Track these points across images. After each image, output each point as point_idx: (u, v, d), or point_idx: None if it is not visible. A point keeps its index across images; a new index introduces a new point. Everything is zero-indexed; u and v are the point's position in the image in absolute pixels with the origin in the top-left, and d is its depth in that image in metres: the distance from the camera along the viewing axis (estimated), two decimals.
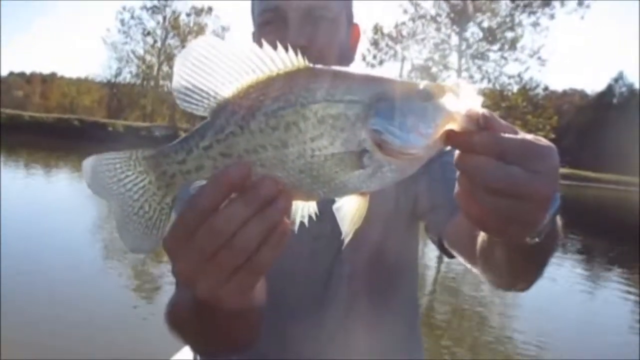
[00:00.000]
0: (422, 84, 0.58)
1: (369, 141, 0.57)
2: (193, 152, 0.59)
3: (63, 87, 52.02)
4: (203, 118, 0.61)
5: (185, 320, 0.82)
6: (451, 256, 1.04)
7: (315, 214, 0.62)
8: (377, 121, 0.57)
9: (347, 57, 1.12)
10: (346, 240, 0.63)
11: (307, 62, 0.58)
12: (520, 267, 0.77)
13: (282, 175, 0.58)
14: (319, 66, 0.59)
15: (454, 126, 0.56)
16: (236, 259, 0.55)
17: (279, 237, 0.56)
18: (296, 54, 0.58)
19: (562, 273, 8.05)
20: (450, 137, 0.56)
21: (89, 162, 0.63)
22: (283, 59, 0.58)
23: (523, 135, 0.56)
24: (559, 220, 0.66)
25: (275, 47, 0.57)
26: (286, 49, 0.58)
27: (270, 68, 0.58)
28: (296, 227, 0.60)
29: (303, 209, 0.61)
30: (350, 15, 1.15)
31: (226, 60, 0.58)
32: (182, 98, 0.59)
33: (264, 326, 0.84)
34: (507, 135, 0.54)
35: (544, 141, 0.56)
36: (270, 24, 1.04)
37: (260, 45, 0.57)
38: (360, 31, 1.20)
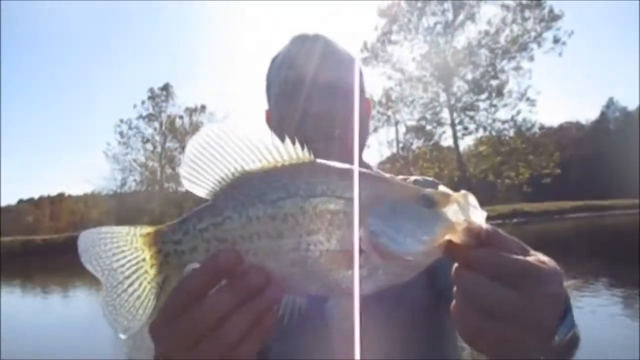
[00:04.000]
0: (427, 190, 0.56)
1: (366, 241, 0.55)
2: (189, 233, 0.58)
3: (71, 205, 52.85)
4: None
5: None
6: None
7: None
8: (375, 222, 0.55)
9: (364, 128, 1.14)
10: (336, 339, 0.59)
11: (311, 156, 0.58)
12: None
13: (274, 266, 0.56)
14: (322, 161, 0.59)
15: (454, 237, 0.53)
16: (217, 350, 0.52)
17: (263, 330, 0.53)
18: (302, 148, 0.58)
19: (598, 302, 7.78)
20: (448, 249, 0.54)
21: (85, 235, 0.62)
22: (289, 151, 0.58)
23: (530, 256, 0.53)
24: (573, 340, 0.60)
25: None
26: (293, 142, 0.58)
27: (276, 158, 0.58)
28: (284, 321, 0.56)
29: (292, 303, 0.57)
30: (363, 89, 1.18)
31: (234, 147, 0.58)
32: (188, 180, 0.59)
33: None
34: (506, 255, 0.52)
35: (548, 264, 0.53)
36: (289, 96, 1.04)
37: (269, 134, 0.58)
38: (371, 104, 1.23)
